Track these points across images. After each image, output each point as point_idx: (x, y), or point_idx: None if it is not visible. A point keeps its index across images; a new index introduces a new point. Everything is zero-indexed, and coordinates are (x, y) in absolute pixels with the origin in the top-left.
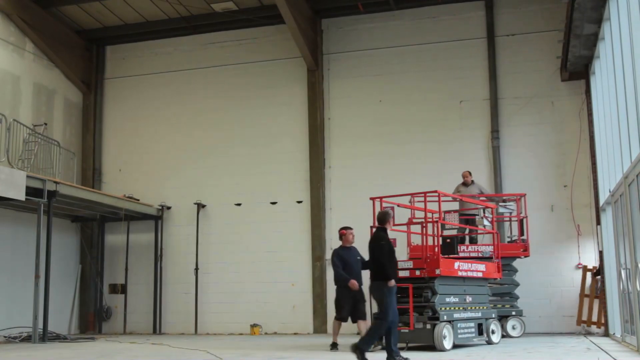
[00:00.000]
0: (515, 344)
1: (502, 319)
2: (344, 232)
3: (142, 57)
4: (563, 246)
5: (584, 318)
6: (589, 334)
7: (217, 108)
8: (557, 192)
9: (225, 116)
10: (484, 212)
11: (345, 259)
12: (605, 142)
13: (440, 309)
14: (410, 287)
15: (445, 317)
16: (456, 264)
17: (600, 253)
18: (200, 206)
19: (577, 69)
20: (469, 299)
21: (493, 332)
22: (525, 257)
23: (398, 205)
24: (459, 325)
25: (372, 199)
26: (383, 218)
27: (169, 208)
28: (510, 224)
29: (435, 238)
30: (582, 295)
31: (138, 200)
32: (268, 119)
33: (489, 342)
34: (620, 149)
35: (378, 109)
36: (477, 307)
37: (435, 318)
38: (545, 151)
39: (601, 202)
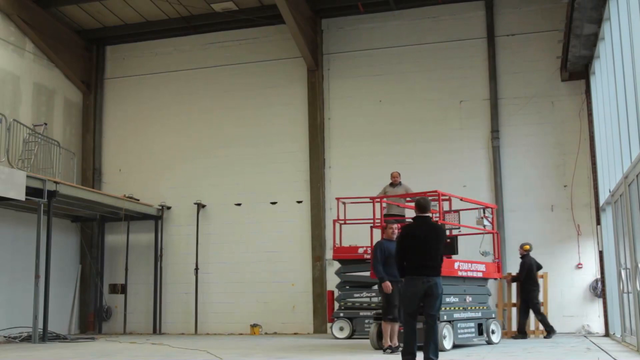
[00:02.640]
0: (516, 344)
1: None
2: (385, 225)
3: (142, 57)
4: (563, 246)
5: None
6: (589, 333)
7: (217, 108)
8: (557, 192)
9: (225, 116)
10: (484, 212)
11: (390, 251)
12: (605, 142)
13: (440, 309)
14: None
15: (445, 317)
16: (456, 264)
17: (600, 253)
18: (200, 206)
19: (577, 69)
20: (469, 299)
21: (493, 332)
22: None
23: (398, 206)
24: (459, 325)
25: (372, 199)
26: (428, 205)
27: (169, 208)
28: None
29: None
30: (501, 305)
31: (138, 200)
32: (268, 119)
33: (489, 342)
34: (620, 149)
35: (378, 109)
36: (477, 307)
37: None
38: (545, 151)
39: (601, 202)
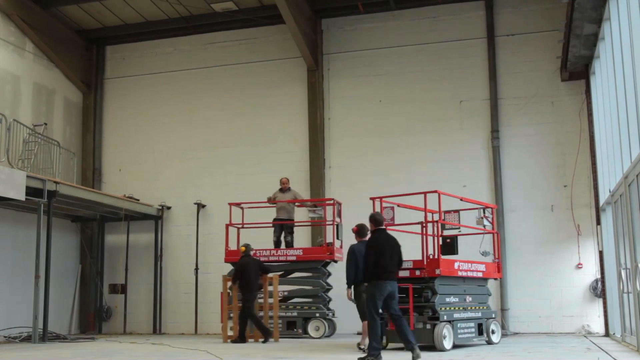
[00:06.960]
0: (516, 344)
1: (306, 320)
2: (357, 229)
3: (142, 57)
4: (563, 246)
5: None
6: (589, 333)
7: (217, 108)
8: (557, 192)
9: (225, 116)
10: (484, 212)
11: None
12: (605, 142)
13: (440, 309)
14: (410, 287)
15: (445, 317)
16: (456, 264)
17: (600, 253)
18: (200, 206)
19: (577, 69)
20: (469, 299)
21: (493, 332)
22: (332, 260)
23: (398, 205)
24: (459, 325)
25: (372, 198)
26: (382, 219)
27: (169, 208)
28: (325, 229)
29: (435, 238)
30: (224, 306)
31: (138, 200)
32: (268, 119)
33: (489, 342)
34: (620, 149)
35: (378, 109)
36: (477, 307)
37: (435, 318)
38: (545, 151)
39: (601, 202)
